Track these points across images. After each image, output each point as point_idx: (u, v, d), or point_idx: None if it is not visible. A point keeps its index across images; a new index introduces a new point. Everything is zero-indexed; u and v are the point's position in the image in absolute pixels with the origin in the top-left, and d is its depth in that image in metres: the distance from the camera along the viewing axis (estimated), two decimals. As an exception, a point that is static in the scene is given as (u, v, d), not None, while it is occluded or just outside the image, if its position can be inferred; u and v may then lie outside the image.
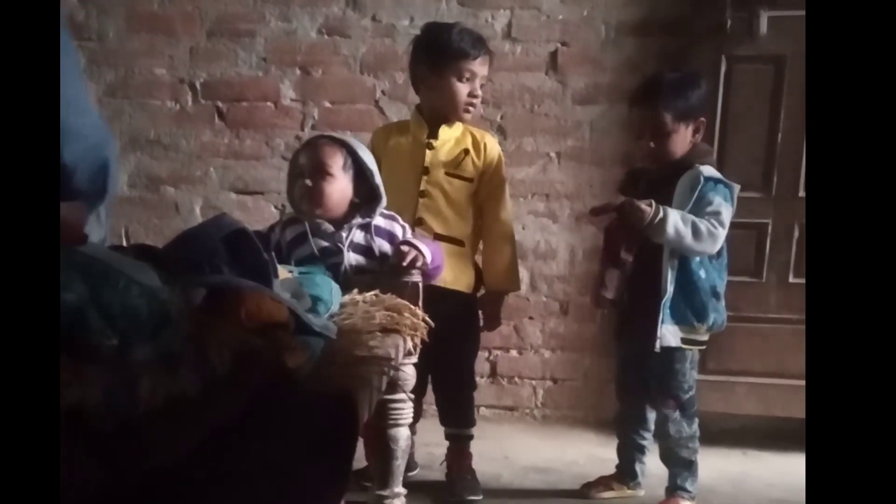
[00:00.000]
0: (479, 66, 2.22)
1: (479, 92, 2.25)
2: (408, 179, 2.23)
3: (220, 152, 3.06)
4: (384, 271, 1.82)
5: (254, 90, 3.04)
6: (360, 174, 1.90)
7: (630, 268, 2.15)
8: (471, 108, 2.25)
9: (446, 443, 2.39)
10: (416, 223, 2.20)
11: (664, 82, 2.16)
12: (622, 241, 2.14)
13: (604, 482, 2.35)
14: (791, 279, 2.77)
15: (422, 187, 2.24)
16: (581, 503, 2.33)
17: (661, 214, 2.02)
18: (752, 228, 2.75)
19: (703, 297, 2.11)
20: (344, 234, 1.85)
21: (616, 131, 2.93)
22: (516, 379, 3.10)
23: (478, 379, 2.47)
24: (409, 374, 1.65)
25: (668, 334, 2.10)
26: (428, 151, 2.24)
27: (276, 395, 0.93)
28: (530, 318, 3.06)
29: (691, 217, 2.05)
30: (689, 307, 2.11)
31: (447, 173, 2.24)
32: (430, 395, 2.39)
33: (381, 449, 1.66)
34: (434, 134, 2.25)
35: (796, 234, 2.76)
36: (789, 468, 2.50)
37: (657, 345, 2.09)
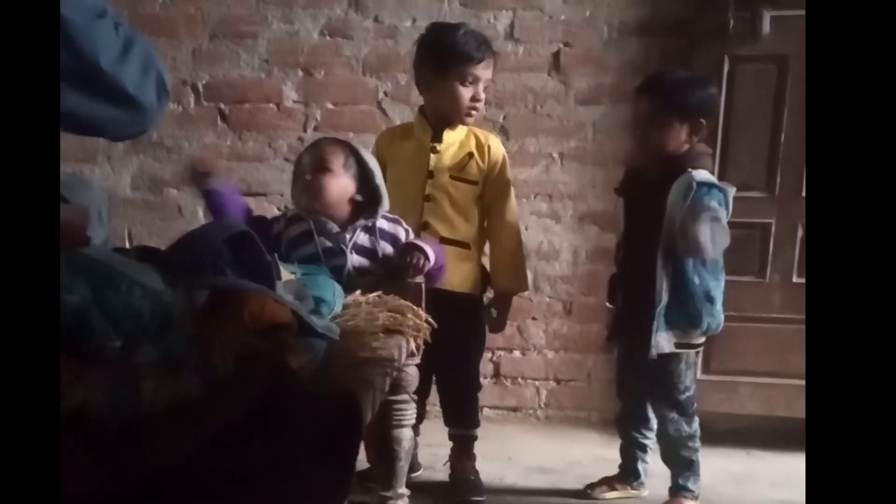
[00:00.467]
0: (483, 70, 2.21)
1: (483, 96, 2.23)
2: (413, 184, 2.23)
3: (223, 154, 3.06)
4: (387, 273, 1.83)
5: (256, 92, 3.04)
6: (363, 175, 1.91)
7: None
8: (473, 112, 2.24)
9: (450, 444, 2.39)
10: (422, 227, 2.20)
11: (667, 75, 2.17)
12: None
13: (607, 482, 2.35)
14: (794, 279, 2.77)
15: (427, 191, 2.23)
16: (584, 503, 2.33)
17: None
18: (756, 228, 2.75)
19: (697, 304, 2.09)
20: (348, 236, 1.86)
21: (619, 132, 2.92)
22: (520, 379, 3.10)
23: (481, 380, 2.47)
24: (412, 375, 1.65)
25: (662, 341, 2.10)
26: (432, 155, 2.24)
27: (279, 397, 0.93)
28: (533, 318, 3.06)
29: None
30: (683, 314, 2.10)
31: (452, 177, 2.24)
32: (433, 396, 2.39)
33: (385, 450, 1.66)
34: (438, 137, 2.25)
35: (800, 233, 2.75)
36: (793, 468, 2.49)
37: (652, 353, 2.09)
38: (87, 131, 1.03)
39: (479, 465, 2.39)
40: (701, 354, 2.59)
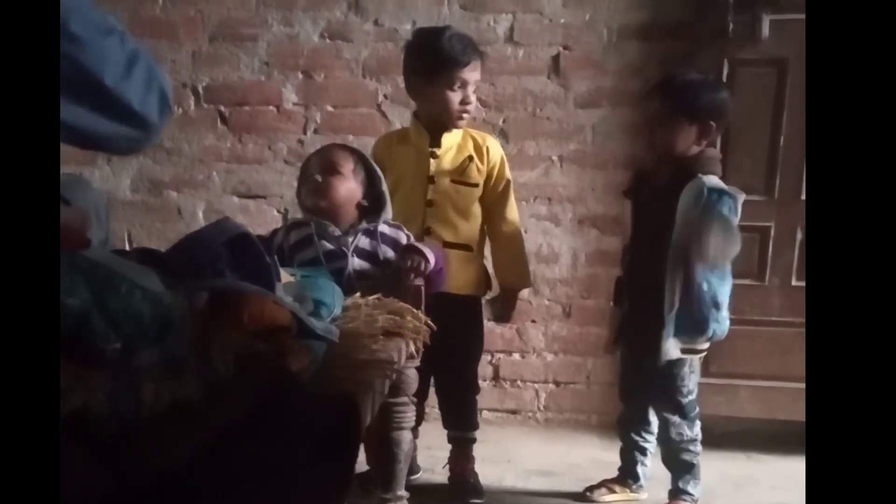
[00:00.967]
0: (470, 73, 2.20)
1: (472, 98, 2.23)
2: (414, 189, 2.23)
3: (223, 156, 3.07)
4: (387, 275, 1.83)
5: (256, 94, 3.04)
6: (370, 181, 1.95)
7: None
8: (464, 116, 2.24)
9: (449, 446, 2.39)
10: (425, 232, 2.20)
11: (680, 76, 2.18)
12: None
13: (605, 485, 2.35)
14: (794, 282, 2.77)
15: (428, 196, 2.24)
16: (583, 507, 2.33)
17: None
18: (755, 231, 2.74)
19: (705, 310, 2.07)
20: (349, 239, 1.86)
21: (618, 135, 2.93)
22: (519, 382, 3.10)
23: (480, 382, 2.47)
24: (411, 377, 1.65)
25: (670, 347, 2.09)
26: (432, 160, 2.24)
27: (278, 399, 0.93)
28: (533, 321, 3.05)
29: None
30: (690, 320, 2.08)
31: (453, 181, 2.24)
32: (432, 399, 2.39)
33: (384, 452, 1.66)
34: (436, 142, 2.25)
35: (799, 237, 2.75)
36: (793, 471, 2.49)
37: (662, 359, 2.08)
38: (89, 145, 1.04)
39: (478, 467, 2.39)
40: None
